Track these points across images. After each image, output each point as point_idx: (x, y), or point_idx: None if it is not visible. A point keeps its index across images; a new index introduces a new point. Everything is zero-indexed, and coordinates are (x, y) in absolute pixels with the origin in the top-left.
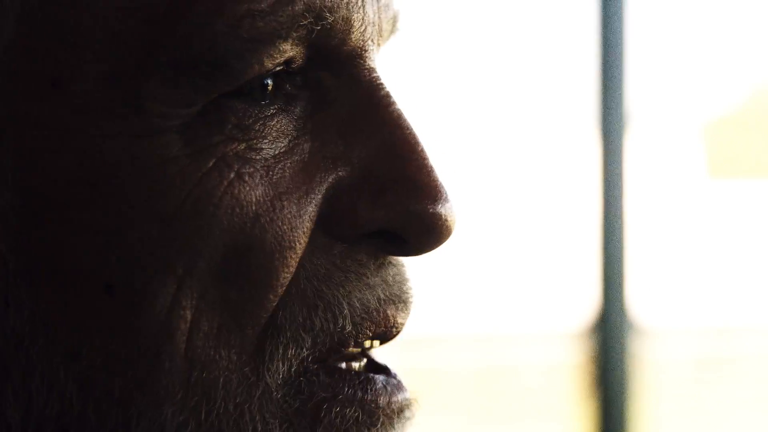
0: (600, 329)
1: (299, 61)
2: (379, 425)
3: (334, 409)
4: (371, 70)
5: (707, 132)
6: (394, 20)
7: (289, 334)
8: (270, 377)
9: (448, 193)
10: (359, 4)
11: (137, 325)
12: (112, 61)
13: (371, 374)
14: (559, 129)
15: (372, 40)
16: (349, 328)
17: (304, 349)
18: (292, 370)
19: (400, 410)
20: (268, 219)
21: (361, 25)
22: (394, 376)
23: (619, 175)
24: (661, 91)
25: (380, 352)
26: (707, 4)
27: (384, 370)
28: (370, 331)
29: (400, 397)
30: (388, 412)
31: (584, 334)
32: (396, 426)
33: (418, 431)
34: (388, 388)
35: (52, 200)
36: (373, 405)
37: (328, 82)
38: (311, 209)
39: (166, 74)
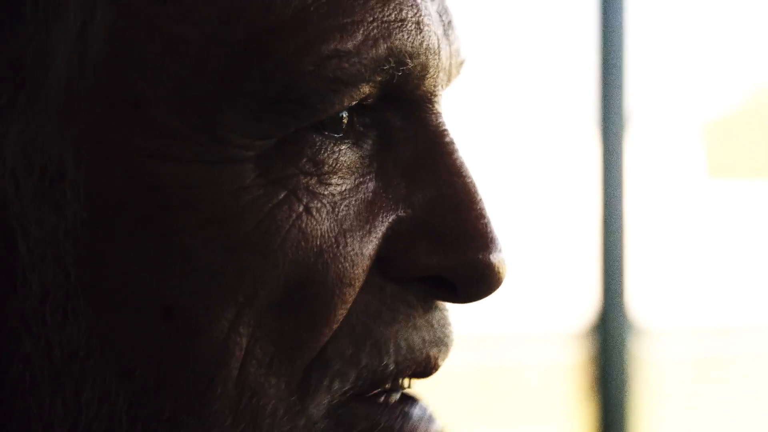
0: (600, 329)
1: (371, 100)
2: None
3: None
4: (438, 115)
5: (707, 132)
6: (461, 65)
7: (335, 368)
8: (313, 408)
9: (501, 243)
10: (437, 50)
11: (193, 349)
12: (195, 88)
13: (407, 407)
14: (559, 129)
15: (441, 86)
16: (392, 367)
17: (348, 383)
18: (333, 402)
19: None
20: (331, 255)
21: (435, 71)
22: (426, 408)
23: (619, 175)
24: (661, 91)
25: None
26: (707, 4)
27: (415, 401)
28: (410, 370)
29: (433, 428)
30: None
31: (584, 334)
32: None
33: None
34: (424, 420)
35: (119, 218)
36: None
37: (395, 123)
38: (371, 248)
39: (248, 107)
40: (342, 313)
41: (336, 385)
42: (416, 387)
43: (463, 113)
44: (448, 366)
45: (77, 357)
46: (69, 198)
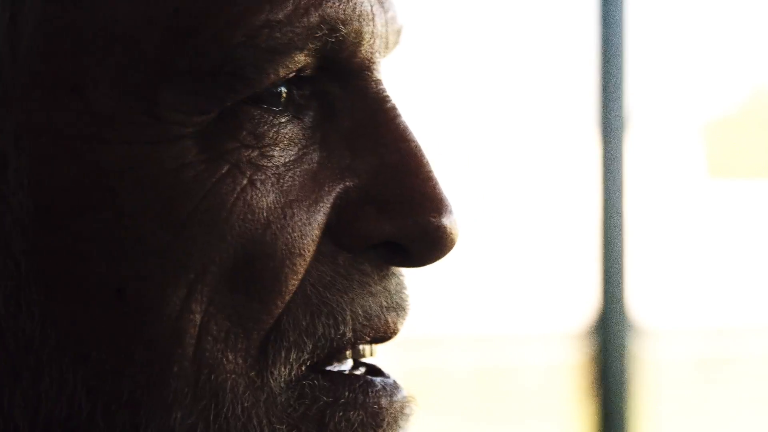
0: (600, 329)
1: (309, 71)
2: (385, 426)
3: (337, 414)
4: (378, 82)
5: (707, 132)
6: (399, 33)
7: (291, 339)
8: (273, 381)
9: (451, 205)
10: (370, 17)
11: (147, 328)
12: (130, 69)
13: (369, 377)
14: (559, 129)
15: (379, 53)
16: (349, 335)
17: (305, 353)
18: (292, 374)
19: (402, 409)
20: (278, 226)
21: (371, 38)
22: (389, 377)
23: (619, 175)
24: (661, 91)
25: (381, 352)
26: (707, 4)
27: (379, 372)
28: (369, 336)
29: (399, 396)
30: (392, 412)
31: (584, 334)
32: (400, 425)
33: (418, 431)
34: (388, 389)
35: (66, 205)
36: (376, 407)
37: (335, 93)
38: (320, 218)
39: (184, 83)
40: (294, 283)
41: (293, 356)
42: (415, 383)
43: (463, 113)
44: (448, 366)
45: (33, 346)
46: (13, 188)
